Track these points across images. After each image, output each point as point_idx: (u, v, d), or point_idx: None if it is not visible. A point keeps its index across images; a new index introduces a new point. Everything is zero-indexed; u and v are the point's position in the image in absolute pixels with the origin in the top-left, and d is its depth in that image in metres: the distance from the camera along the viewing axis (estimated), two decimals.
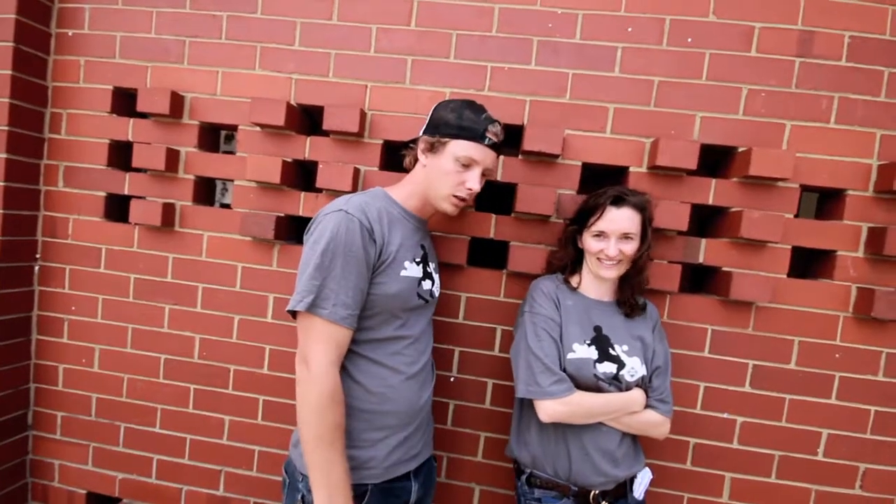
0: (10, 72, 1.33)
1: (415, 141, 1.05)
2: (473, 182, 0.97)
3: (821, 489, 1.25)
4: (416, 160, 1.05)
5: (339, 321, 0.87)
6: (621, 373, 1.04)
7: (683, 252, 1.25)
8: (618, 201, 1.04)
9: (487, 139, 0.96)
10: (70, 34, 1.42)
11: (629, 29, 1.24)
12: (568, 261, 1.15)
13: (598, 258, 1.07)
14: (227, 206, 1.49)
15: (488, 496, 1.36)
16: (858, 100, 1.20)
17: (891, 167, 1.16)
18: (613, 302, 1.13)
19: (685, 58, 1.23)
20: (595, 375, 1.03)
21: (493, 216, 1.30)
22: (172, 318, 1.42)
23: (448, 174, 0.97)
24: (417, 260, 1.02)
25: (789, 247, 1.22)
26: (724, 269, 1.23)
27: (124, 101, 1.43)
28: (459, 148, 0.96)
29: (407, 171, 1.09)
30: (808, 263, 1.30)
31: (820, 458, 1.24)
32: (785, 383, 1.24)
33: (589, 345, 1.06)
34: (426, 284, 1.04)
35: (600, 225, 1.04)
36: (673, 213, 1.20)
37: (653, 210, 1.10)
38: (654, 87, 1.24)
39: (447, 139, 0.97)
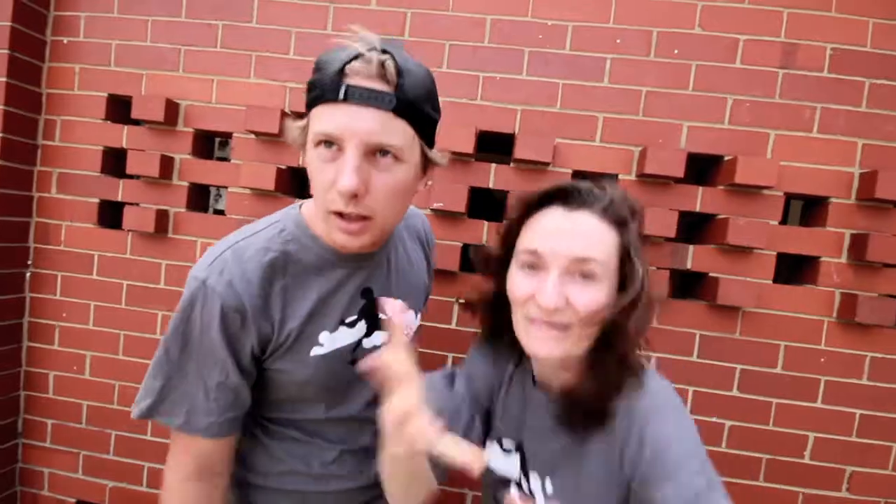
0: (4, 79, 1.34)
1: None
2: (343, 176, 0.55)
3: (808, 492, 1.26)
4: None
5: (197, 433, 0.65)
6: None
7: (672, 258, 1.27)
8: (566, 197, 0.58)
9: (346, 89, 0.55)
10: (65, 42, 1.43)
11: (618, 41, 1.27)
12: (491, 321, 0.70)
13: (526, 315, 0.58)
14: (220, 213, 1.50)
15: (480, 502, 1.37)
16: (840, 110, 1.23)
17: (872, 175, 1.19)
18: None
19: (672, 69, 1.26)
20: (496, 499, 0.67)
21: (486, 223, 1.31)
22: (165, 324, 1.42)
23: (313, 174, 0.60)
24: (350, 320, 0.71)
25: (774, 253, 1.24)
26: (712, 274, 1.25)
27: (119, 109, 1.44)
28: (312, 119, 0.59)
29: None
30: (793, 269, 1.32)
31: (807, 461, 1.26)
32: (772, 387, 1.26)
33: (507, 452, 0.66)
34: (373, 339, 0.75)
35: (532, 238, 0.58)
36: (661, 221, 1.22)
37: (642, 225, 0.61)
38: (643, 97, 1.26)
39: (307, 114, 0.61)
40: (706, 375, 1.27)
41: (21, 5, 1.35)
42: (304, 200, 0.73)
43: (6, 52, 1.33)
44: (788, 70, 1.24)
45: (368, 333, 0.74)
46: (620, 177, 1.27)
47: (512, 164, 1.30)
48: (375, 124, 0.56)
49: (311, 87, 0.59)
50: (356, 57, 0.56)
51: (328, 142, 0.57)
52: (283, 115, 1.30)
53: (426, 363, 1.31)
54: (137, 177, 1.41)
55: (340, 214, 0.59)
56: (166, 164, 1.38)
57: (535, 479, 0.63)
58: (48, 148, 1.45)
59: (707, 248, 1.26)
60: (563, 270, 0.55)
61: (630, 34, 1.26)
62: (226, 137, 1.43)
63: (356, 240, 0.61)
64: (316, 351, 0.68)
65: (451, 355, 1.34)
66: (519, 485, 0.65)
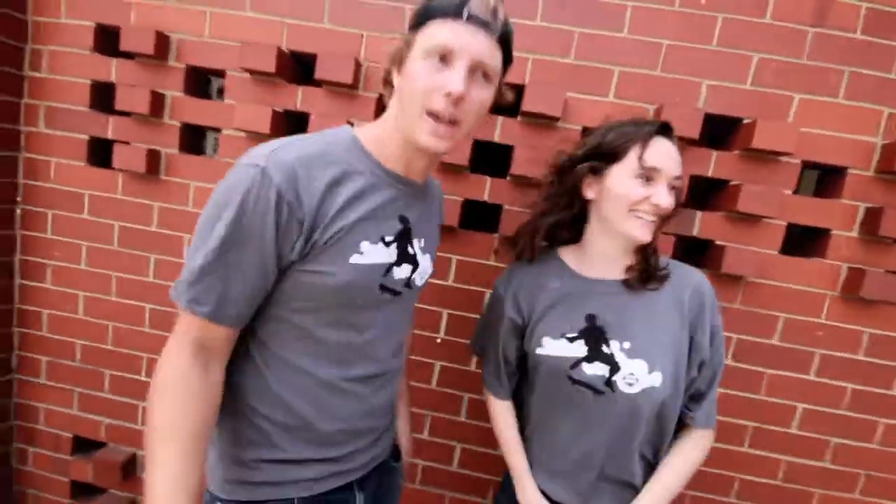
0: None
1: None
2: (454, 80, 0.63)
3: (791, 460, 1.28)
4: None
5: (215, 320, 0.65)
6: (614, 378, 0.81)
7: (677, 224, 1.23)
8: (665, 131, 0.81)
9: (468, 13, 0.63)
10: None
11: None
12: (567, 222, 0.90)
13: (632, 210, 0.80)
14: None
15: (468, 454, 1.39)
16: (869, 75, 1.16)
17: (894, 146, 1.14)
18: (622, 281, 0.87)
19: (697, 21, 1.17)
20: (572, 378, 0.83)
21: (489, 179, 1.27)
22: (158, 267, 1.40)
23: (418, 80, 0.65)
24: (388, 238, 0.73)
25: (784, 223, 1.20)
26: (718, 242, 1.22)
27: (107, 39, 1.36)
28: (428, 35, 0.65)
29: None
30: (802, 241, 1.29)
31: (793, 430, 1.27)
32: (766, 358, 1.25)
33: (572, 339, 0.84)
34: (400, 272, 0.76)
35: (651, 158, 0.78)
36: None
37: None
38: (663, 50, 1.19)
39: (414, 33, 0.67)
40: None
41: None
42: (353, 126, 0.76)
43: None
44: (819, 29, 1.16)
45: (399, 262, 0.75)
46: None
47: (519, 118, 1.24)
48: (485, 48, 0.65)
49: (428, 6, 0.66)
50: None
51: (442, 57, 0.64)
52: (280, 52, 1.22)
53: (421, 318, 1.31)
54: (128, 113, 1.35)
55: (436, 117, 0.65)
56: (157, 101, 1.31)
57: (614, 344, 0.82)
58: (35, 80, 1.38)
59: (716, 215, 1.22)
60: (668, 181, 0.79)
61: None
62: (219, 76, 1.36)
63: (441, 142, 0.67)
64: (356, 259, 0.69)
65: (446, 311, 1.33)
66: (586, 361, 0.84)
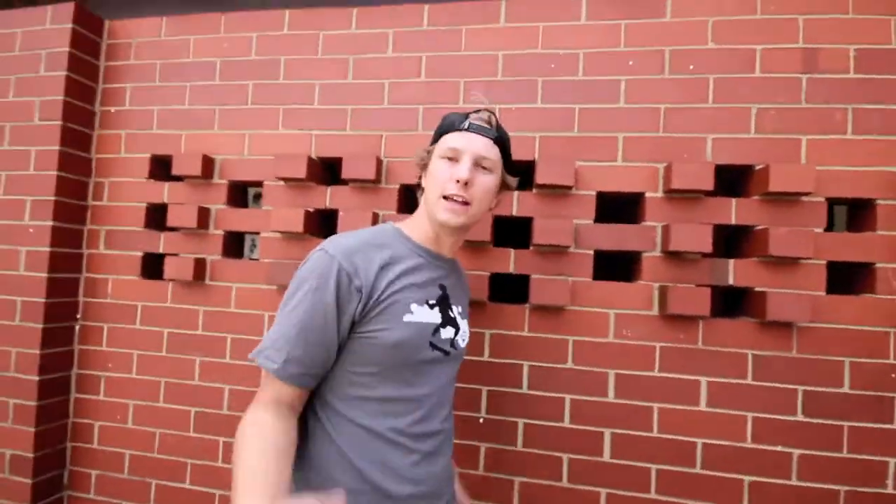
0: (58, 147, 1.47)
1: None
2: (460, 170, 0.84)
3: None
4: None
5: (285, 379, 0.77)
6: None
7: (711, 275, 1.21)
8: None
9: (469, 124, 0.87)
10: (112, 111, 1.57)
11: (630, 62, 1.28)
12: None
13: None
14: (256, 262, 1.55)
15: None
16: (873, 109, 1.19)
17: None
18: None
19: (689, 84, 1.25)
20: None
21: (512, 250, 1.30)
22: (203, 370, 1.44)
23: (436, 174, 0.87)
24: (431, 302, 0.88)
25: (824, 262, 1.17)
26: (757, 289, 1.18)
27: (160, 167, 1.54)
28: (441, 145, 0.89)
29: None
30: (849, 279, 1.23)
31: (890, 490, 1.12)
32: (841, 409, 1.15)
33: None
34: (446, 332, 0.89)
35: None
36: (695, 236, 1.18)
37: None
38: (661, 114, 1.25)
39: (433, 146, 0.91)
40: (765, 399, 1.17)
41: (73, 81, 1.49)
42: (396, 222, 0.94)
43: (59, 123, 1.47)
44: (812, 74, 1.21)
45: (443, 324, 0.89)
46: (647, 194, 1.25)
47: (534, 191, 1.30)
48: (483, 146, 0.87)
49: (441, 126, 0.91)
50: (476, 110, 0.91)
51: (452, 157, 0.86)
52: (310, 160, 1.36)
53: (459, 396, 1.27)
54: (177, 229, 1.48)
55: (447, 198, 0.84)
56: (203, 214, 1.45)
57: None
58: (97, 208, 1.56)
59: (749, 262, 1.20)
60: None
61: (642, 55, 1.27)
62: (257, 186, 1.50)
63: (455, 217, 0.85)
64: (408, 318, 0.82)
65: (485, 389, 1.30)
66: None
